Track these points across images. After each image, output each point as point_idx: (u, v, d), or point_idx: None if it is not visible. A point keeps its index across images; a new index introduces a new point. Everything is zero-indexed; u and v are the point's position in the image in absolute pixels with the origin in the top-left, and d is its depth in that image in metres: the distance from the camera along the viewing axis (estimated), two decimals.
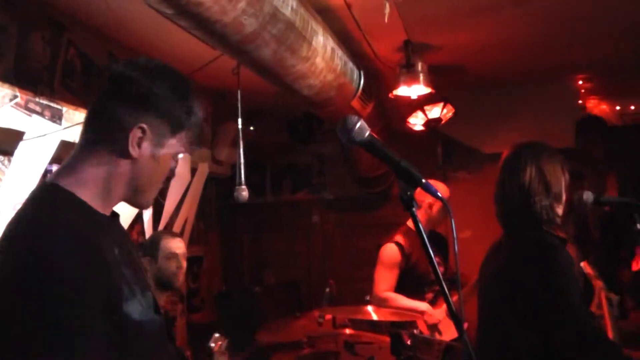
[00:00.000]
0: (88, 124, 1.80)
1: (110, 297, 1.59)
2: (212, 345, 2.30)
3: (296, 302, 7.16)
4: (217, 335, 2.37)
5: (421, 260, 4.90)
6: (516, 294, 2.64)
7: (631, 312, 5.11)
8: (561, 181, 2.78)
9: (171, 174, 1.88)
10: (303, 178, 8.14)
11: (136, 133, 1.74)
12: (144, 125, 1.74)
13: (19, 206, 1.69)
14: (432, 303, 4.97)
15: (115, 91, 1.76)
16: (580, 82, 6.67)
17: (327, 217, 8.10)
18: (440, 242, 5.20)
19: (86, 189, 1.72)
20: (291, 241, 8.07)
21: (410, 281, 4.95)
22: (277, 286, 7.71)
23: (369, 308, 4.32)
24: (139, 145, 1.75)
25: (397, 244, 5.00)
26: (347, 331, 4.36)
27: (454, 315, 1.67)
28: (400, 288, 4.94)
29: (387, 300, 4.83)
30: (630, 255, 5.17)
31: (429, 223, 5.02)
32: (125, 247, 1.80)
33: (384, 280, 4.97)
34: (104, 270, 1.59)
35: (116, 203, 1.82)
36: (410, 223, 4.96)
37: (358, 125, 1.76)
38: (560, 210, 2.77)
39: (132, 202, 1.86)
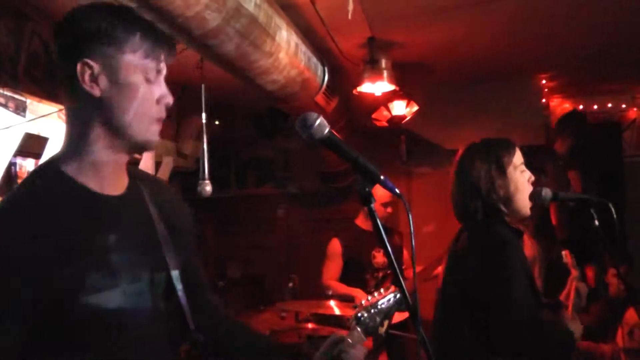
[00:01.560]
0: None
1: (61, 287, 1.54)
2: (350, 341, 1.99)
3: (260, 296, 7.17)
4: (358, 330, 2.05)
5: (361, 253, 5.45)
6: (464, 286, 2.69)
7: (591, 305, 5.19)
8: (490, 179, 2.79)
9: (162, 98, 1.77)
10: (268, 172, 8.15)
11: (81, 70, 1.62)
12: (85, 59, 1.61)
13: None
14: (372, 289, 5.31)
15: (55, 55, 1.69)
16: (544, 81, 6.76)
17: (292, 211, 8.12)
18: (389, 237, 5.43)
19: (80, 167, 1.67)
20: (256, 235, 8.05)
21: (353, 269, 5.48)
22: (241, 280, 7.71)
23: (331, 303, 4.36)
24: (96, 82, 1.63)
25: (338, 237, 5.58)
26: (310, 325, 4.39)
27: (407, 302, 1.70)
28: (345, 276, 5.47)
29: (328, 287, 5.08)
30: (599, 251, 5.26)
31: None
32: (138, 228, 1.75)
33: (327, 270, 5.51)
34: (52, 260, 1.54)
35: (109, 167, 1.72)
36: (358, 221, 5.64)
37: (317, 122, 1.75)
38: (505, 205, 2.80)
39: (127, 145, 1.72)
